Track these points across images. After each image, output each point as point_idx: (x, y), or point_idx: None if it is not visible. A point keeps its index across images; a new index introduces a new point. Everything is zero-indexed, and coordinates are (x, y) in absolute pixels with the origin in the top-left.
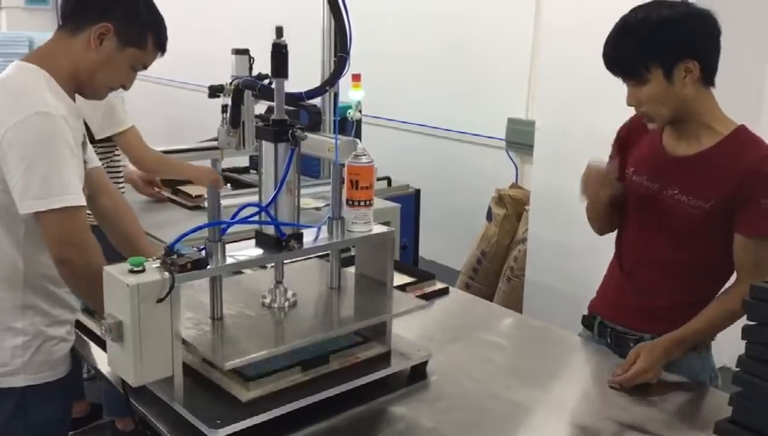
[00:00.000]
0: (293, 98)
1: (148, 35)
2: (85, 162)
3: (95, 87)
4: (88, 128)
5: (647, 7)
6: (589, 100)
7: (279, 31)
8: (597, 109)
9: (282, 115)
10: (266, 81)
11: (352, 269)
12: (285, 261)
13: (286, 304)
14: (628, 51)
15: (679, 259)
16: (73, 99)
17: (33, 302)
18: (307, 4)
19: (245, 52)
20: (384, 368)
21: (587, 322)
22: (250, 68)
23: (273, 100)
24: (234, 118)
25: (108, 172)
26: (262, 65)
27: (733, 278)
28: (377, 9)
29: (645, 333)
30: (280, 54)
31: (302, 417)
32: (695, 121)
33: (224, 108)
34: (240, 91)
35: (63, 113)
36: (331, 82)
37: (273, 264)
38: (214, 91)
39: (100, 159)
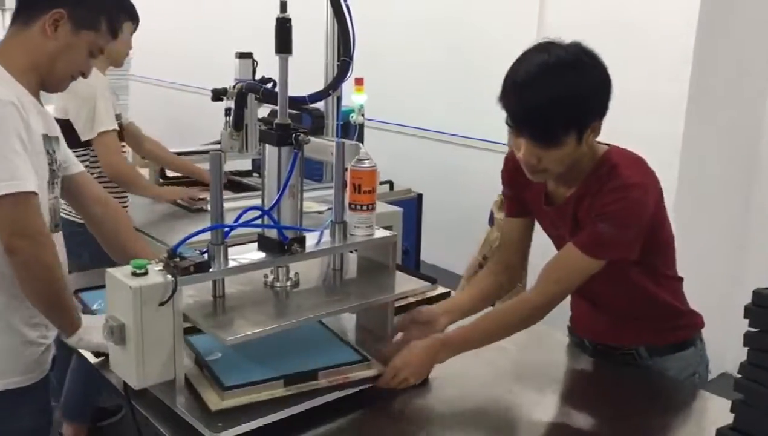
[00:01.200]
0: (296, 102)
1: (101, 18)
2: (59, 165)
3: (57, 76)
4: (76, 132)
5: (560, 58)
6: None
7: (283, 5)
8: None
9: (285, 118)
10: (269, 84)
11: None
12: None
13: (288, 283)
14: (548, 116)
15: (617, 287)
16: (35, 95)
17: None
18: (311, 9)
19: (249, 55)
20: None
21: (573, 337)
22: (254, 72)
23: (276, 104)
24: (237, 121)
25: (104, 177)
26: (266, 69)
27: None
28: (380, 13)
29: (625, 346)
30: (284, 28)
31: (305, 419)
32: (575, 166)
33: (227, 111)
34: (243, 95)
35: (12, 100)
36: (334, 86)
37: None
38: (218, 95)
39: (95, 163)
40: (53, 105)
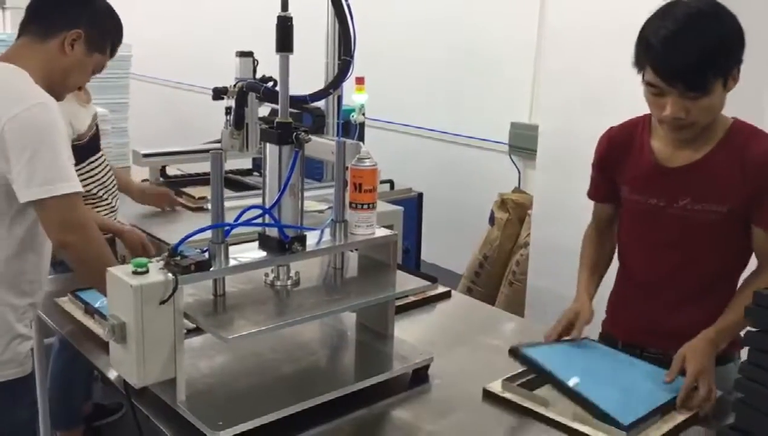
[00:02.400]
0: (297, 101)
1: (108, 42)
2: None
3: (65, 89)
4: None
5: (698, 9)
6: (593, 104)
7: (284, 3)
8: (600, 114)
9: (286, 117)
10: (270, 84)
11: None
12: None
13: (289, 282)
14: (703, 63)
15: (701, 271)
16: None
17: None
18: (312, 8)
19: (249, 54)
20: (385, 371)
21: (608, 340)
22: (254, 71)
23: (277, 103)
24: (238, 119)
25: (99, 185)
26: (267, 68)
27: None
28: (381, 13)
29: (671, 351)
30: (285, 26)
31: (304, 419)
32: (709, 126)
33: (228, 110)
34: (244, 94)
35: (56, 106)
36: (334, 85)
37: None
38: (219, 94)
39: (92, 175)
40: None
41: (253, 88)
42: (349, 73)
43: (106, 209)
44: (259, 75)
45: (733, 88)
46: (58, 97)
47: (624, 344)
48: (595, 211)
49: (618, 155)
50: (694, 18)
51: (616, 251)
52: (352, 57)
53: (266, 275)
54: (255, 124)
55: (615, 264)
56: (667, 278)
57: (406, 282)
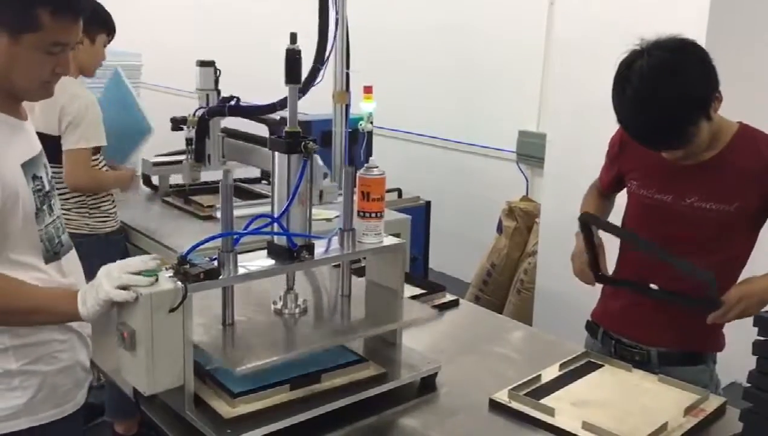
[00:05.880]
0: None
1: (37, 12)
2: (50, 179)
3: (23, 88)
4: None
5: (653, 67)
6: (600, 112)
7: (293, 37)
8: (607, 122)
9: (295, 127)
10: (233, 102)
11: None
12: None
13: (297, 310)
14: (672, 124)
15: (700, 267)
16: (8, 110)
17: (20, 338)
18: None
19: (211, 64)
20: (393, 380)
21: (591, 329)
22: (216, 81)
23: (245, 116)
24: (199, 152)
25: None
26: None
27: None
28: (389, 21)
29: (654, 347)
30: (293, 59)
31: (312, 428)
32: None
33: (189, 141)
34: (205, 122)
35: None
36: (303, 90)
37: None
38: (177, 124)
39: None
40: (38, 119)
41: (217, 113)
42: (318, 81)
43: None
44: (220, 85)
45: (719, 107)
46: (33, 97)
47: (604, 333)
48: (598, 185)
49: (630, 151)
50: (651, 80)
51: (618, 243)
52: (323, 64)
53: (275, 302)
54: (217, 139)
55: (613, 260)
56: (664, 272)
57: (413, 309)
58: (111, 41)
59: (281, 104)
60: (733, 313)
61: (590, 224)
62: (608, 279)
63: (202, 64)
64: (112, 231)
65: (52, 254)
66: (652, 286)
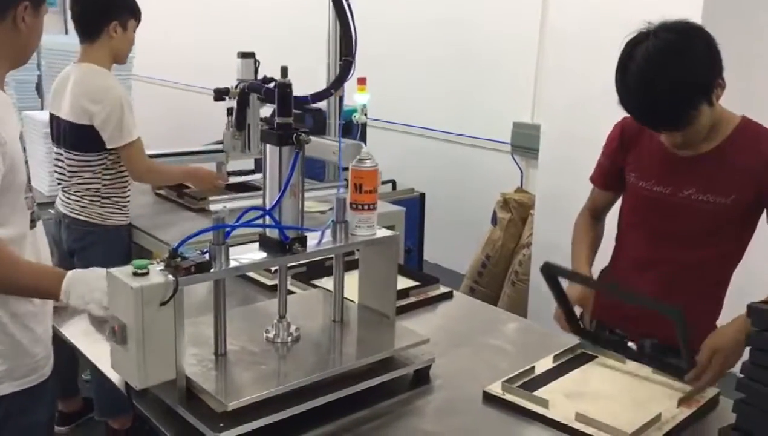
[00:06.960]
0: (298, 102)
1: None
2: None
3: (27, 57)
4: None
5: (659, 48)
6: (595, 104)
7: (284, 71)
8: (602, 113)
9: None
10: (271, 84)
11: (355, 278)
12: (288, 297)
13: (289, 339)
14: (675, 105)
15: (694, 258)
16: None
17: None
18: (314, 9)
19: (251, 55)
20: (386, 372)
21: (583, 320)
22: (256, 71)
23: (273, 102)
24: (239, 121)
25: (117, 180)
26: (268, 68)
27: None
28: (383, 13)
29: (647, 338)
30: (285, 94)
31: (304, 421)
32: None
33: (230, 111)
34: (245, 94)
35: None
36: (336, 85)
37: (277, 298)
38: (220, 94)
39: (111, 166)
40: (67, 107)
41: (255, 89)
42: (351, 74)
43: None
44: (260, 76)
45: (722, 94)
46: (25, 63)
47: (598, 325)
48: (593, 197)
49: (629, 143)
50: (656, 61)
51: (615, 234)
52: (353, 57)
53: (267, 331)
54: (257, 126)
55: (608, 250)
56: (659, 264)
57: (405, 336)
58: (138, 26)
59: (315, 98)
60: (711, 373)
61: (555, 275)
62: (588, 334)
63: (244, 55)
64: (120, 225)
65: (30, 222)
66: (630, 344)
